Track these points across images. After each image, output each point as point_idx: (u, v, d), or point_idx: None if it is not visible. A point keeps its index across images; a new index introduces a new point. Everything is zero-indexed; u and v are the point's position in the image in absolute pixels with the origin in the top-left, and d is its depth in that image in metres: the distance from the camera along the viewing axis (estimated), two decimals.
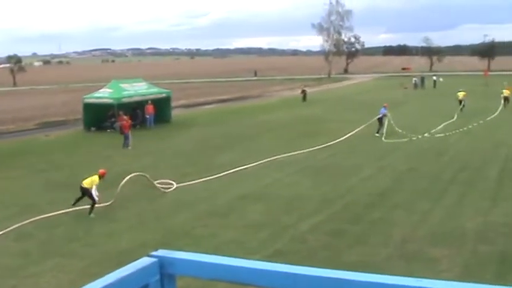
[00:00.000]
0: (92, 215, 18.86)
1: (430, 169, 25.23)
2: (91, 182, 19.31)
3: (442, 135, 34.86)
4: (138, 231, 17.36)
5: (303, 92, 64.85)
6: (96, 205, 19.17)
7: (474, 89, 60.93)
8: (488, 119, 42.36)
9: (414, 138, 33.46)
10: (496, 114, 45.46)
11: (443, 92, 71.01)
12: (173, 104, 49.11)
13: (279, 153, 29.12)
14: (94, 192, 19.06)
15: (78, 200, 19.52)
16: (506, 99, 52.55)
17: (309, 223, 17.51)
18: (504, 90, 54.39)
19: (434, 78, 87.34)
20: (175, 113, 48.30)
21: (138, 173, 21.72)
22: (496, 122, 41.06)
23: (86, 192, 19.25)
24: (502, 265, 13.83)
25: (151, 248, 2.35)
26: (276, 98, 72.34)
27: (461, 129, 36.80)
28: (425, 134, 34.98)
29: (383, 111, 37.32)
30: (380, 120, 36.48)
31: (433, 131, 36.39)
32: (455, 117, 42.76)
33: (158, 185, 22.28)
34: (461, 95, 51.48)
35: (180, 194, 21.82)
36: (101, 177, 19.63)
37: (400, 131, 35.15)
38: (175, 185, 23.06)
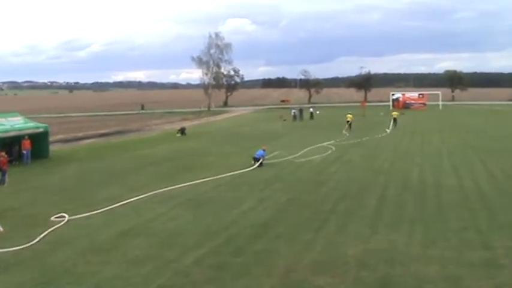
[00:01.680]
0: None
1: (311, 199, 25.78)
2: None
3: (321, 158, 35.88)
4: (16, 271, 16.57)
5: (181, 129, 64.70)
6: None
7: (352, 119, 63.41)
8: (375, 139, 44.32)
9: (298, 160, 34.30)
10: (385, 133, 54.98)
11: (320, 122, 73.62)
12: (51, 138, 47.88)
13: (161, 187, 28.93)
14: None
15: None
16: (395, 120, 62.85)
17: (192, 257, 17.40)
18: (393, 113, 65.42)
19: (311, 110, 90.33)
20: (53, 148, 47.08)
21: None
22: (378, 147, 42.80)
23: None
24: None
25: None
26: (156, 131, 71.96)
27: (340, 158, 38.18)
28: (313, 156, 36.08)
29: (261, 153, 36.86)
30: (257, 160, 36.06)
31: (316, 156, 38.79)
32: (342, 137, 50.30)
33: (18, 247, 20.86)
34: (349, 117, 61.70)
35: (59, 231, 21.10)
36: None
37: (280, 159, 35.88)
38: (67, 217, 22.59)
